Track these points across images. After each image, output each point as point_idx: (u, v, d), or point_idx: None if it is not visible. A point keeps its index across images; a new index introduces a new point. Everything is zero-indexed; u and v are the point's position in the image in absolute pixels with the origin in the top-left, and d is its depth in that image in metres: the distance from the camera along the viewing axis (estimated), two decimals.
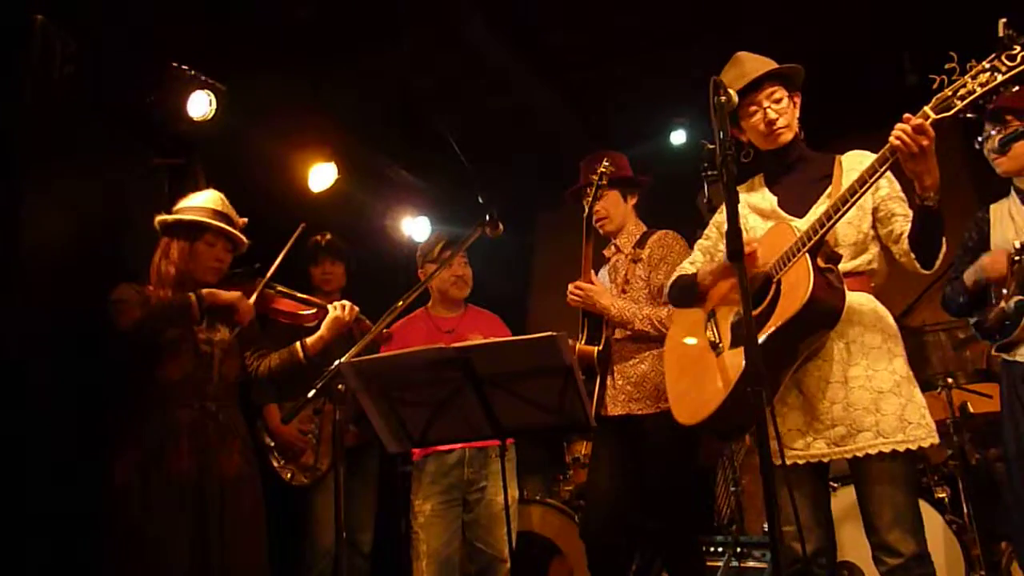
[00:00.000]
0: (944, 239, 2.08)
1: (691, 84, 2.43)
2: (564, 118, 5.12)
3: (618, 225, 3.18)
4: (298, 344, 2.96)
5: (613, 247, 3.21)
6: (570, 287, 3.04)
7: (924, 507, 3.29)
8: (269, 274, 2.92)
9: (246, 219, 2.95)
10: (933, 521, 3.30)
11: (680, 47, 4.37)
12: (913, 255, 2.10)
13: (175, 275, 2.78)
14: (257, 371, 3.00)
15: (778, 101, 2.28)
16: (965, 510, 3.38)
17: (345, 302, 3.02)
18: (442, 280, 3.48)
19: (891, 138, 1.93)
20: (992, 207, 2.89)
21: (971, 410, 3.48)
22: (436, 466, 3.34)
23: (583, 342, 3.09)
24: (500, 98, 4.83)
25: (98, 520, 2.59)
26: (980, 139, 2.75)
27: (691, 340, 2.44)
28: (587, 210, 3.09)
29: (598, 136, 5.20)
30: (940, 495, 3.50)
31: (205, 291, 2.72)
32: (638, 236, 3.16)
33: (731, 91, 2.00)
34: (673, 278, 2.56)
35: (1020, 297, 2.55)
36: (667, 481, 2.91)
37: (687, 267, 2.54)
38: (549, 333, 2.14)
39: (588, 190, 3.09)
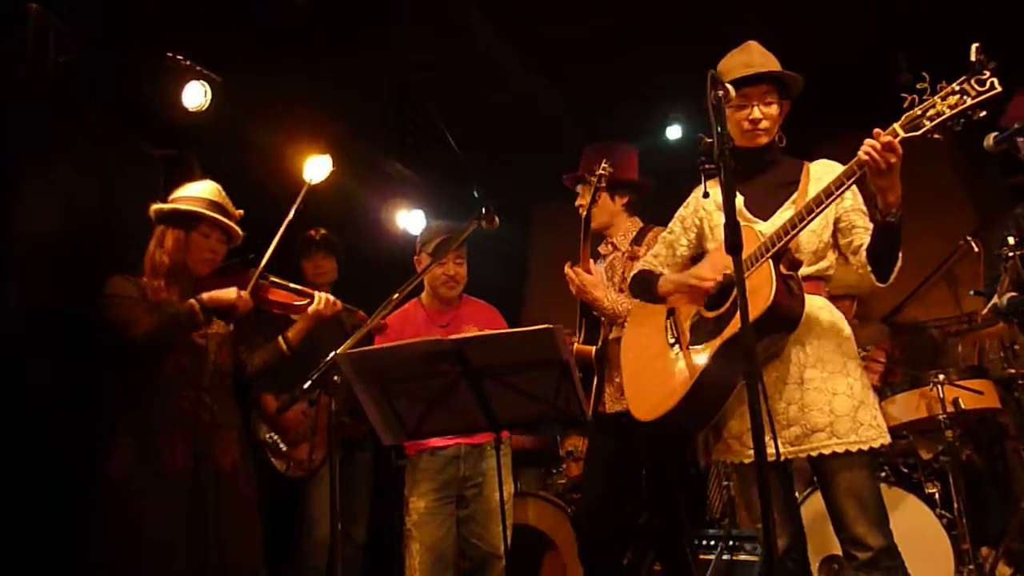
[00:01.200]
0: (900, 254, 2.10)
1: (689, 78, 2.43)
2: (561, 111, 5.12)
3: (602, 223, 3.16)
4: (280, 339, 2.95)
5: (610, 245, 3.19)
6: (567, 268, 3.02)
7: (915, 502, 3.35)
8: (262, 264, 2.90)
9: (242, 211, 2.93)
10: (923, 516, 3.32)
11: (678, 41, 4.37)
12: (870, 268, 2.13)
13: (169, 265, 2.76)
14: (248, 368, 2.98)
15: (768, 104, 2.29)
16: (955, 505, 3.40)
17: (328, 296, 3.01)
18: (433, 277, 3.46)
19: (860, 153, 1.94)
20: None
21: (962, 406, 3.49)
22: (431, 462, 3.33)
23: (580, 341, 3.09)
24: (497, 91, 4.82)
25: (92, 512, 2.57)
26: (1002, 134, 2.73)
27: (649, 338, 2.46)
28: (586, 211, 3.07)
29: (594, 129, 5.20)
30: (931, 490, 3.52)
31: (206, 296, 2.69)
32: (635, 233, 3.15)
33: (728, 86, 2.00)
34: (635, 271, 2.57)
35: (1013, 294, 2.56)
36: (660, 477, 2.93)
37: (651, 260, 2.55)
38: (546, 326, 2.14)
39: (585, 187, 3.07)
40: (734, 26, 4.14)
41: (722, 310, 2.20)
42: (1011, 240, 2.50)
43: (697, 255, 2.49)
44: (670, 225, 2.56)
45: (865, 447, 2.11)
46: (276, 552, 3.71)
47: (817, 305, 2.21)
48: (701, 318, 2.28)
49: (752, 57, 2.29)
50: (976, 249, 3.95)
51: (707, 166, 1.96)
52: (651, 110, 5.13)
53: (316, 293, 2.98)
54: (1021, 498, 3.67)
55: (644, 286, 2.50)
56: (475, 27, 4.17)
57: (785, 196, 2.27)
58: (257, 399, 3.55)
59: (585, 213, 3.08)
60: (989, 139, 2.71)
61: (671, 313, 2.41)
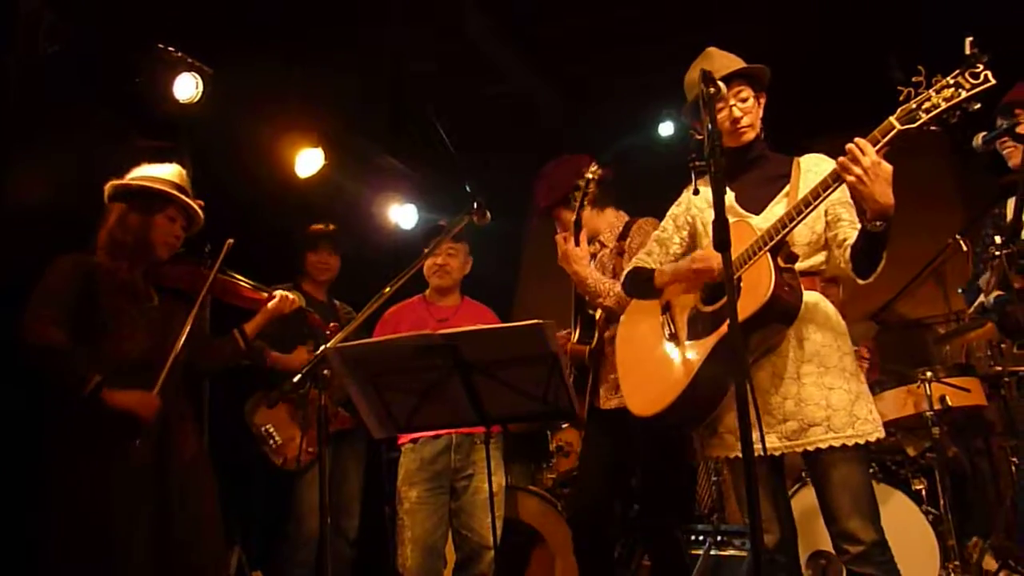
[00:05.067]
0: (884, 256, 2.10)
1: (681, 75, 2.44)
2: (554, 107, 5.13)
3: (592, 230, 3.12)
4: (236, 332, 2.91)
5: (597, 243, 3.17)
6: (557, 236, 2.98)
7: (901, 498, 3.37)
8: (220, 257, 2.76)
9: (202, 201, 2.79)
10: (910, 512, 3.34)
11: (671, 38, 4.38)
12: (851, 265, 2.14)
13: (132, 245, 2.61)
14: (201, 365, 2.94)
15: (744, 100, 2.32)
16: (941, 502, 3.43)
17: (287, 293, 2.99)
18: (426, 268, 3.48)
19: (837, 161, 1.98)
20: (1009, 202, 2.92)
21: (949, 403, 3.52)
22: (422, 453, 3.35)
23: (575, 340, 3.10)
24: (491, 86, 4.82)
25: (47, 505, 2.45)
26: (990, 133, 2.75)
27: (645, 333, 2.45)
28: (576, 214, 2.99)
29: (587, 125, 5.22)
30: (917, 487, 3.55)
31: (110, 394, 2.44)
32: (620, 228, 3.13)
33: (720, 83, 2.01)
34: (628, 270, 2.56)
35: (1000, 292, 2.58)
36: (657, 472, 2.93)
37: (644, 258, 2.55)
38: (535, 321, 2.15)
39: (574, 195, 3.00)
40: (726, 24, 4.19)
41: (719, 304, 2.20)
42: (997, 239, 2.52)
43: (690, 253, 2.49)
44: (663, 223, 2.57)
45: (861, 441, 2.12)
46: (266, 547, 3.72)
47: (813, 300, 2.22)
48: (698, 312, 2.28)
49: (714, 63, 2.31)
50: (964, 248, 3.98)
51: (698, 163, 1.97)
52: (644, 106, 5.14)
53: (276, 291, 2.96)
54: (1007, 494, 3.70)
55: (639, 281, 2.50)
56: (470, 23, 4.17)
57: (776, 189, 2.29)
58: (261, 351, 3.47)
59: (575, 217, 2.99)
60: (978, 139, 2.73)
61: (667, 308, 2.41)
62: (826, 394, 2.15)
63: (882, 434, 2.17)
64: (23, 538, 2.53)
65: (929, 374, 3.56)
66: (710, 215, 2.33)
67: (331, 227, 3.84)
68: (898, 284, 4.37)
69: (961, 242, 3.92)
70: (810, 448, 2.14)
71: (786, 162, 2.34)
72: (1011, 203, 2.90)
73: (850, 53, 4.45)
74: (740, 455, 2.14)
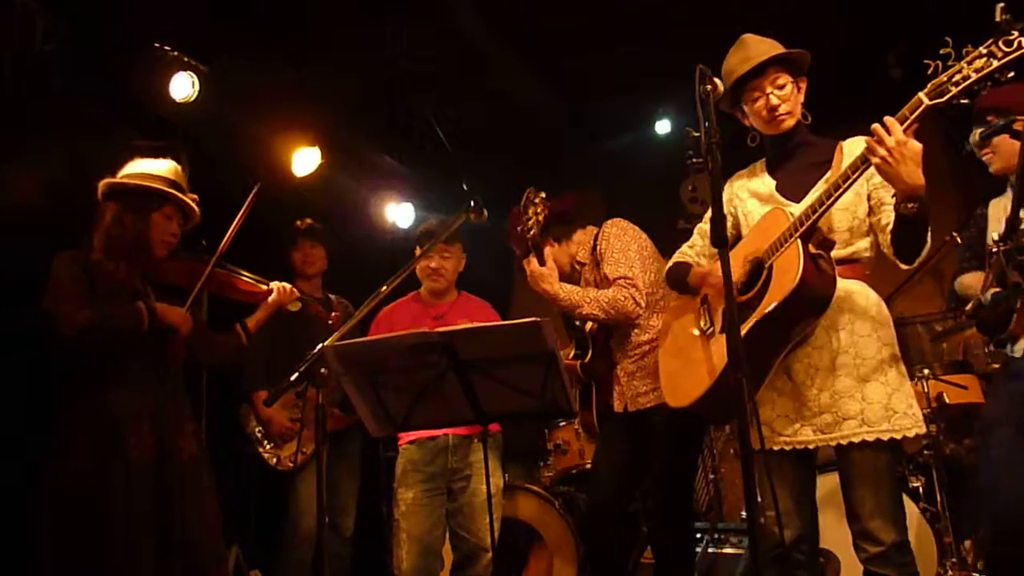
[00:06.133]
0: (928, 239, 2.07)
1: (678, 72, 2.43)
2: (551, 105, 5.13)
3: (568, 263, 3.12)
4: (238, 326, 2.89)
5: (577, 265, 3.15)
6: (523, 262, 2.96)
7: None
8: (219, 251, 2.74)
9: (197, 196, 2.77)
10: (907, 510, 3.33)
11: (668, 35, 4.38)
12: (892, 250, 2.11)
13: (128, 245, 2.59)
14: (206, 361, 2.93)
15: (781, 87, 2.26)
16: (939, 499, 3.43)
17: (285, 285, 2.98)
18: (420, 270, 3.45)
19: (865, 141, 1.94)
20: (992, 203, 2.91)
21: (947, 400, 3.53)
22: (419, 454, 3.34)
23: (570, 356, 3.10)
24: (488, 84, 4.82)
25: (47, 508, 2.41)
26: (987, 131, 2.74)
27: (684, 325, 2.46)
28: (531, 240, 2.92)
29: (584, 123, 5.21)
30: (915, 484, 3.55)
31: (159, 307, 2.55)
32: (591, 242, 3.10)
33: (717, 80, 2.00)
34: (670, 264, 2.57)
35: (996, 289, 2.57)
36: (671, 466, 2.93)
37: (686, 251, 2.55)
38: (533, 319, 2.14)
39: (523, 220, 2.92)
40: (727, 19, 4.19)
41: (751, 294, 2.16)
42: (995, 235, 2.51)
43: (734, 241, 2.44)
44: (705, 215, 2.54)
45: (898, 436, 2.07)
46: (263, 546, 3.71)
47: (853, 289, 2.17)
48: None
49: (749, 51, 2.28)
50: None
51: (694, 160, 1.96)
52: (640, 104, 5.14)
53: (273, 284, 2.95)
54: None
55: (676, 277, 2.50)
56: (466, 20, 4.16)
57: (818, 176, 2.23)
58: (249, 395, 3.54)
59: (531, 241, 2.93)
60: (975, 135, 2.71)
61: (705, 300, 2.40)
62: (862, 387, 2.11)
63: (922, 430, 2.11)
64: (23, 537, 2.51)
65: (927, 371, 3.57)
66: (751, 204, 2.36)
67: (307, 222, 3.83)
68: (895, 281, 4.37)
69: (958, 239, 3.93)
70: (843, 442, 2.10)
71: (829, 147, 2.27)
72: (993, 204, 2.90)
73: (849, 52, 4.46)
74: (773, 447, 2.16)
